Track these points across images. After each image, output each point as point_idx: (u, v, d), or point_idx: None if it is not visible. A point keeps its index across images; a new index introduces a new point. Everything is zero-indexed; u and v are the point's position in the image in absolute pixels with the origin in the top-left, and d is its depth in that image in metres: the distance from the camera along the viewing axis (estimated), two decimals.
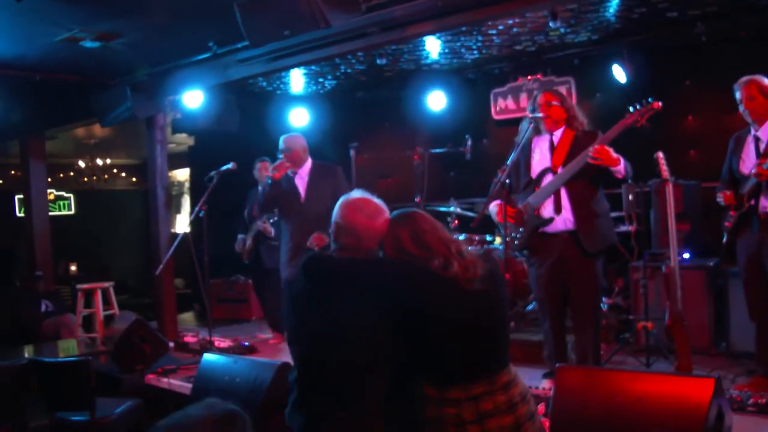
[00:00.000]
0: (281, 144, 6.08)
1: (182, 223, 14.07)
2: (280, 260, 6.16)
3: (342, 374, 2.57)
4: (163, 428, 1.71)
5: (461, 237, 6.89)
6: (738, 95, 4.70)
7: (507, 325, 2.73)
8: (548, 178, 4.72)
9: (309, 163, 6.12)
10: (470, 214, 7.04)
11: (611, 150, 4.45)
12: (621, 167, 4.50)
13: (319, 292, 2.65)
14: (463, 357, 2.56)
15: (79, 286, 8.23)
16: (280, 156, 5.98)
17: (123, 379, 5.90)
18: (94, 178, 14.14)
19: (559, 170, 4.67)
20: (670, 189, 4.82)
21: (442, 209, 7.18)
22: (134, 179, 15.15)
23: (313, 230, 5.72)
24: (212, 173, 6.54)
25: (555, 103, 4.76)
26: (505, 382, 2.58)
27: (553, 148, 4.76)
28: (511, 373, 2.63)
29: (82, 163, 13.87)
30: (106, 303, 8.10)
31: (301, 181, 6.06)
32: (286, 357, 6.77)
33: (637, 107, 4.49)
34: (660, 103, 4.43)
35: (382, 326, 2.55)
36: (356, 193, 2.85)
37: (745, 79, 4.68)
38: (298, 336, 2.75)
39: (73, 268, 13.00)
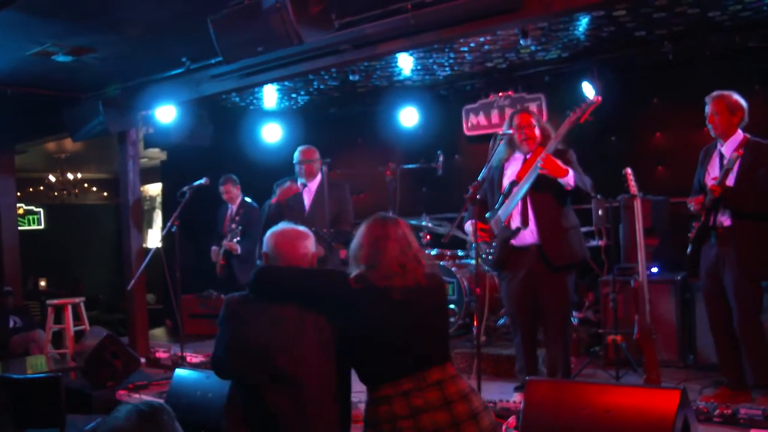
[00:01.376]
0: (298, 156, 6.10)
1: (154, 238, 13.96)
2: None
3: (294, 380, 2.73)
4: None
5: (433, 252, 6.94)
6: (707, 108, 4.79)
7: (434, 328, 2.85)
8: (514, 190, 4.79)
9: (320, 176, 6.12)
10: (442, 229, 7.08)
11: (558, 161, 4.52)
12: (569, 178, 4.55)
13: (266, 301, 2.87)
14: (388, 356, 2.71)
15: (49, 301, 8.14)
16: (299, 167, 6.03)
17: (93, 395, 5.84)
18: (65, 192, 14.00)
19: (521, 182, 4.75)
20: (638, 204, 4.91)
21: (414, 223, 7.22)
22: (105, 194, 15.03)
23: (324, 245, 5.83)
24: (185, 188, 6.54)
25: (534, 124, 4.85)
26: (436, 379, 2.68)
27: (523, 164, 4.84)
28: (445, 371, 2.74)
29: (52, 178, 13.73)
30: (77, 318, 8.02)
31: (309, 195, 6.12)
32: None
33: (580, 105, 4.57)
34: (600, 98, 4.50)
35: (324, 332, 2.79)
36: (281, 225, 3.12)
37: (715, 93, 4.76)
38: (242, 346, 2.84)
39: (43, 283, 12.84)
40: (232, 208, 7.70)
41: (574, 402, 3.11)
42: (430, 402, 2.62)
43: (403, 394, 2.64)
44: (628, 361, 5.63)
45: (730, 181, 4.57)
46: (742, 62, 6.75)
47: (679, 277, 5.98)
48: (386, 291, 2.72)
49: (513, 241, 4.77)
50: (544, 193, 4.67)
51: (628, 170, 4.96)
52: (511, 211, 4.75)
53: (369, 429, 2.71)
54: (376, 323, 2.71)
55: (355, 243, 2.86)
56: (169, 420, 1.84)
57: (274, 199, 5.90)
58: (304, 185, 6.08)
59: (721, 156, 4.78)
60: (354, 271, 2.79)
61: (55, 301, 8.10)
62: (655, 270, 6.21)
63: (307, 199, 6.11)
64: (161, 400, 1.89)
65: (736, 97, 4.72)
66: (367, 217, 2.97)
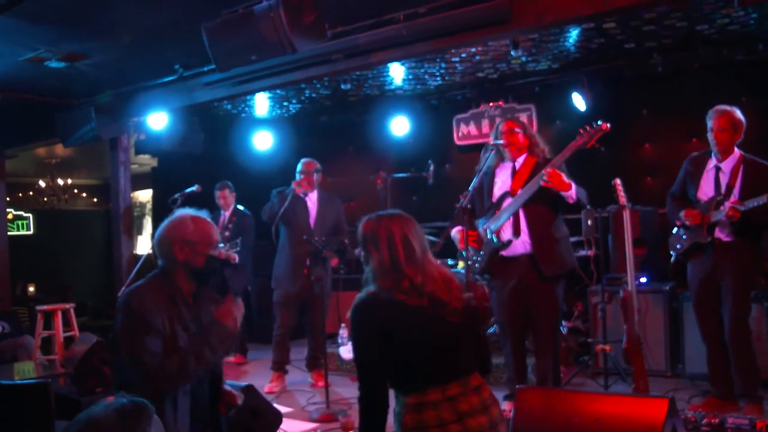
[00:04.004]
0: (301, 166, 6.37)
1: (144, 245, 13.93)
2: (275, 271, 6.44)
3: None
4: (77, 427, 1.77)
5: None
6: (709, 123, 4.81)
7: (477, 334, 2.94)
8: (507, 201, 4.80)
9: (317, 190, 6.47)
10: (432, 238, 7.10)
11: (563, 174, 4.54)
12: (572, 192, 4.58)
13: None
14: (439, 360, 2.73)
15: (38, 307, 8.09)
16: (300, 177, 6.28)
17: (82, 401, 5.82)
18: (54, 198, 13.94)
19: (517, 193, 4.76)
20: (627, 215, 4.95)
21: None
22: (95, 199, 14.98)
23: (314, 250, 6.17)
24: (176, 195, 6.55)
25: (518, 130, 4.86)
26: (475, 385, 2.75)
27: (514, 173, 4.86)
28: (479, 378, 2.81)
29: (42, 183, 13.67)
30: (67, 325, 7.98)
31: (313, 205, 6.40)
32: (249, 378, 6.75)
33: (587, 129, 4.60)
34: (609, 125, 4.53)
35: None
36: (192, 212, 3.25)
37: (720, 108, 4.79)
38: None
39: (31, 289, 12.75)
40: (225, 215, 7.70)
41: (563, 410, 3.12)
42: (474, 407, 2.69)
43: (449, 399, 2.67)
44: (616, 371, 5.67)
45: (733, 198, 4.64)
46: (729, 75, 6.84)
47: (667, 287, 6.03)
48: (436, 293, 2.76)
49: (503, 251, 4.79)
50: (538, 204, 4.69)
51: (617, 181, 5.00)
52: (503, 222, 4.78)
53: None
54: (431, 326, 2.73)
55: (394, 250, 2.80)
56: (147, 419, 1.85)
57: (298, 189, 6.15)
58: (305, 194, 6.31)
59: (718, 171, 4.82)
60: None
61: (45, 307, 8.05)
62: (643, 280, 6.26)
63: (312, 209, 6.37)
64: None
65: (739, 114, 4.76)
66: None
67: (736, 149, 4.80)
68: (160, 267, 3.15)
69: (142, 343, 2.88)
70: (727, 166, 4.79)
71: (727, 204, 4.61)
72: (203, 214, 3.27)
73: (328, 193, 6.62)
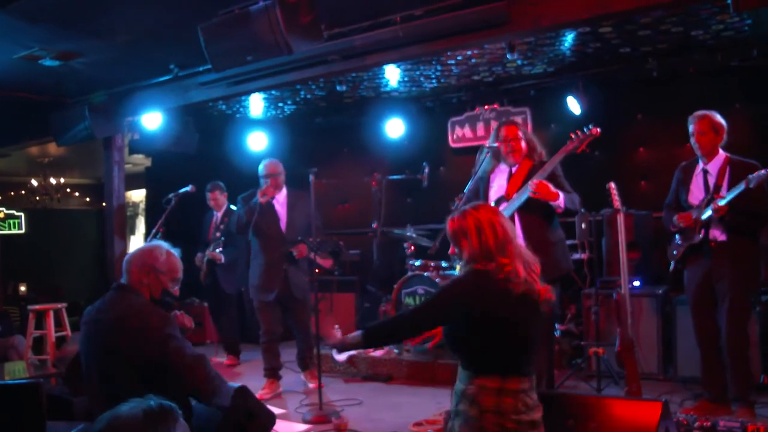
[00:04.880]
0: (264, 170, 6.15)
1: (137, 245, 13.87)
2: (250, 279, 6.29)
3: None
4: (100, 426, 1.76)
5: (417, 263, 6.96)
6: (691, 128, 4.89)
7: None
8: (503, 206, 4.81)
9: (284, 189, 6.28)
10: (426, 241, 7.11)
11: (550, 185, 4.57)
12: (560, 201, 4.61)
13: None
14: (525, 350, 2.83)
15: (30, 307, 8.06)
16: (265, 181, 6.08)
17: (74, 401, 5.79)
18: (47, 197, 13.89)
19: (512, 198, 4.78)
20: (621, 218, 4.97)
21: (399, 234, 7.24)
22: (88, 199, 14.93)
23: (286, 252, 6.03)
24: (170, 195, 6.54)
25: (521, 136, 4.89)
26: (533, 383, 2.86)
27: (510, 177, 4.88)
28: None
29: (34, 182, 13.63)
30: (59, 324, 7.95)
31: (281, 208, 6.21)
32: (243, 380, 6.73)
33: (578, 134, 4.62)
34: (599, 130, 4.56)
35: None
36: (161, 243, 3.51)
37: (700, 113, 4.87)
38: None
39: (23, 288, 12.70)
40: (217, 215, 7.69)
41: (557, 413, 3.13)
42: (535, 401, 2.80)
43: (523, 392, 2.75)
44: (609, 374, 5.68)
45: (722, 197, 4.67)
46: (724, 80, 6.87)
47: (660, 291, 6.05)
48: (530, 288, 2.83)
49: None
50: (533, 209, 4.71)
51: (612, 185, 5.03)
52: None
53: (493, 416, 2.72)
54: (523, 315, 2.81)
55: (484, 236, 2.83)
56: (174, 421, 1.85)
57: (263, 200, 5.96)
58: (272, 198, 6.14)
59: (705, 174, 4.87)
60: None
61: (37, 307, 8.03)
62: (637, 283, 6.28)
63: (281, 212, 6.19)
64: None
65: (719, 117, 4.84)
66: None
67: (721, 151, 4.87)
68: (122, 284, 3.38)
69: (192, 353, 3.22)
70: (713, 167, 4.85)
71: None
72: (177, 252, 3.52)
73: (296, 191, 6.37)
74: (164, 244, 3.49)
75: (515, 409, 2.71)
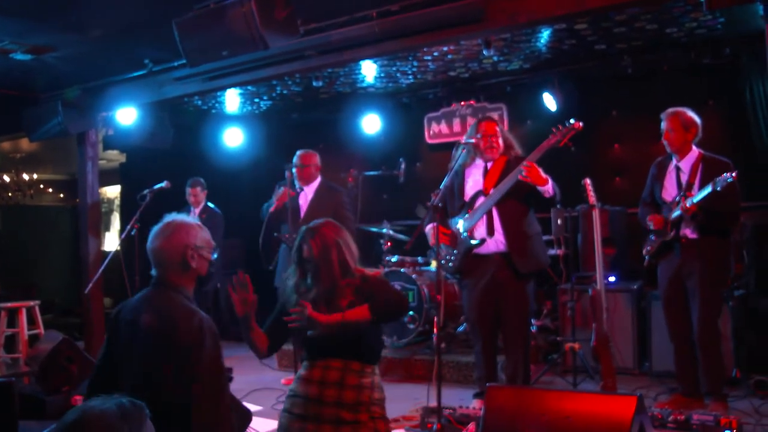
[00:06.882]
0: (296, 159, 6.08)
1: (112, 241, 13.75)
2: (278, 269, 6.16)
3: None
4: (67, 423, 1.76)
5: (394, 259, 6.96)
6: (662, 125, 4.95)
7: None
8: (480, 200, 4.83)
9: (318, 181, 6.15)
10: (402, 236, 7.11)
11: (540, 169, 4.59)
12: (549, 186, 4.64)
13: None
14: None
15: (2, 304, 7.95)
16: (293, 170, 5.98)
17: (47, 400, 5.73)
18: (19, 193, 13.70)
19: (491, 192, 4.78)
20: (596, 214, 5.01)
21: (375, 230, 7.23)
22: (62, 195, 14.74)
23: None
24: (145, 191, 6.49)
25: (499, 132, 4.92)
26: None
27: (486, 172, 4.89)
28: None
29: (6, 178, 13.43)
30: (32, 322, 7.86)
31: (305, 199, 6.10)
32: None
33: (560, 128, 4.64)
34: (581, 124, 4.58)
35: None
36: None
37: (671, 110, 4.92)
38: None
39: None
40: (195, 212, 7.64)
41: (533, 408, 3.14)
42: None
43: None
44: (585, 368, 5.72)
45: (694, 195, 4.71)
46: (697, 78, 6.93)
47: (635, 286, 6.10)
48: None
49: (477, 249, 4.81)
50: (511, 201, 4.74)
51: (587, 181, 5.06)
52: (477, 220, 4.80)
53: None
54: None
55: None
56: (144, 419, 1.85)
57: (272, 208, 5.92)
58: (301, 189, 6.08)
59: (678, 171, 4.91)
60: None
61: (9, 305, 7.92)
62: (612, 279, 6.33)
63: (304, 203, 6.10)
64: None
65: (691, 114, 4.88)
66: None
67: (694, 148, 4.91)
68: (160, 278, 2.93)
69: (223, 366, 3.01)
70: (686, 165, 4.89)
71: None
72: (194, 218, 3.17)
73: (329, 183, 6.26)
74: (186, 219, 3.03)
75: None
